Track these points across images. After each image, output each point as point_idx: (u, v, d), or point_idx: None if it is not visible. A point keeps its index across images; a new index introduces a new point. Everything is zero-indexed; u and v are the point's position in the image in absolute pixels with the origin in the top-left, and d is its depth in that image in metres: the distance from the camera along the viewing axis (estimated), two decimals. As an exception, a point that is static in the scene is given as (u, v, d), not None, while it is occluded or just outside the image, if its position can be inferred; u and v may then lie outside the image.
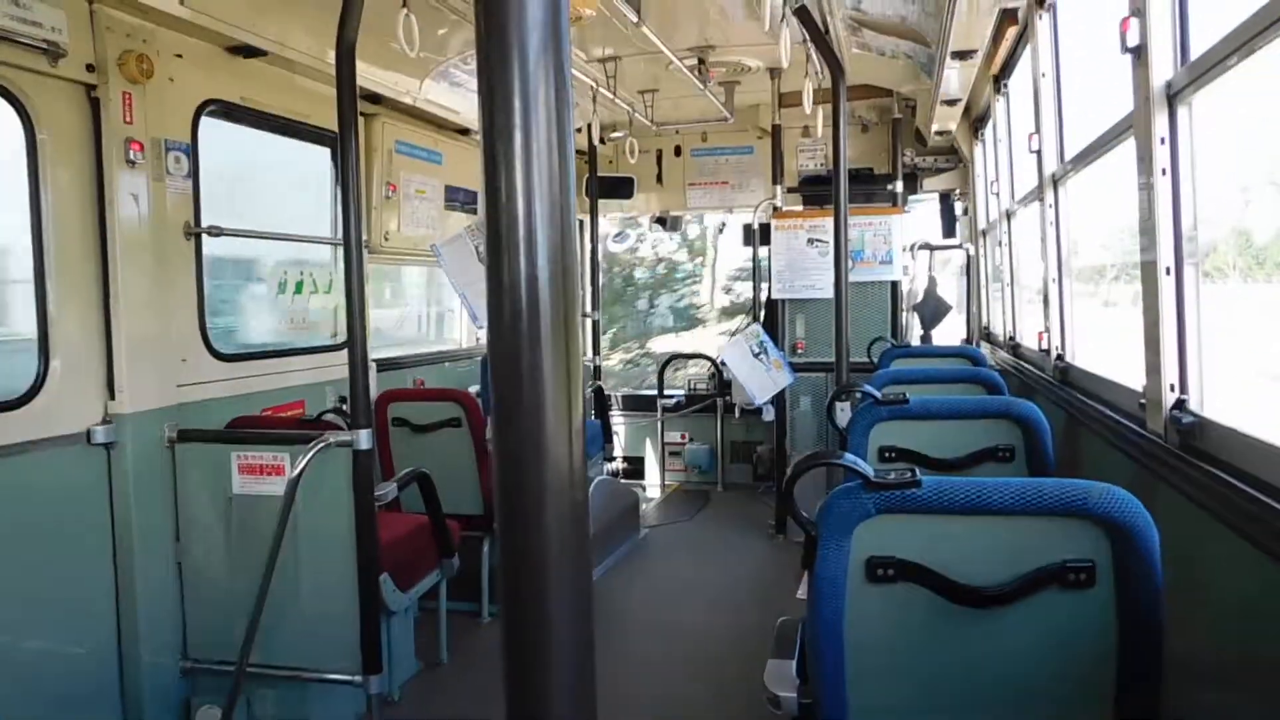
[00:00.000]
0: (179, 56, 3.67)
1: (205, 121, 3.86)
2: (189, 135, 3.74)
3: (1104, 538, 1.72)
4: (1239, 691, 1.81)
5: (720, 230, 9.72)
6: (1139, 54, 2.28)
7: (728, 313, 13.63)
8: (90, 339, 3.33)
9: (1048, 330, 4.26)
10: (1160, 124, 2.21)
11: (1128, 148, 2.53)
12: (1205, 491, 1.94)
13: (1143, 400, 2.49)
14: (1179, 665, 1.78)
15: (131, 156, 3.36)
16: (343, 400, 4.38)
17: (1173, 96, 2.18)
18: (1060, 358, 4.04)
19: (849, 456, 1.83)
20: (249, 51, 4.02)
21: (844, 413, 3.91)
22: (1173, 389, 2.29)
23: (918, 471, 1.76)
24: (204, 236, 3.79)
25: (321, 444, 3.23)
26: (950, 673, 1.82)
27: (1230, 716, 1.85)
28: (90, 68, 3.26)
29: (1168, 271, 2.25)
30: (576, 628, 0.86)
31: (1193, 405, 2.27)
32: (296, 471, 3.20)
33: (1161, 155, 2.21)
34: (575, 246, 0.84)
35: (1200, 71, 2.03)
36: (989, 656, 1.80)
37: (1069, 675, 1.77)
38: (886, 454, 2.98)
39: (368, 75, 4.72)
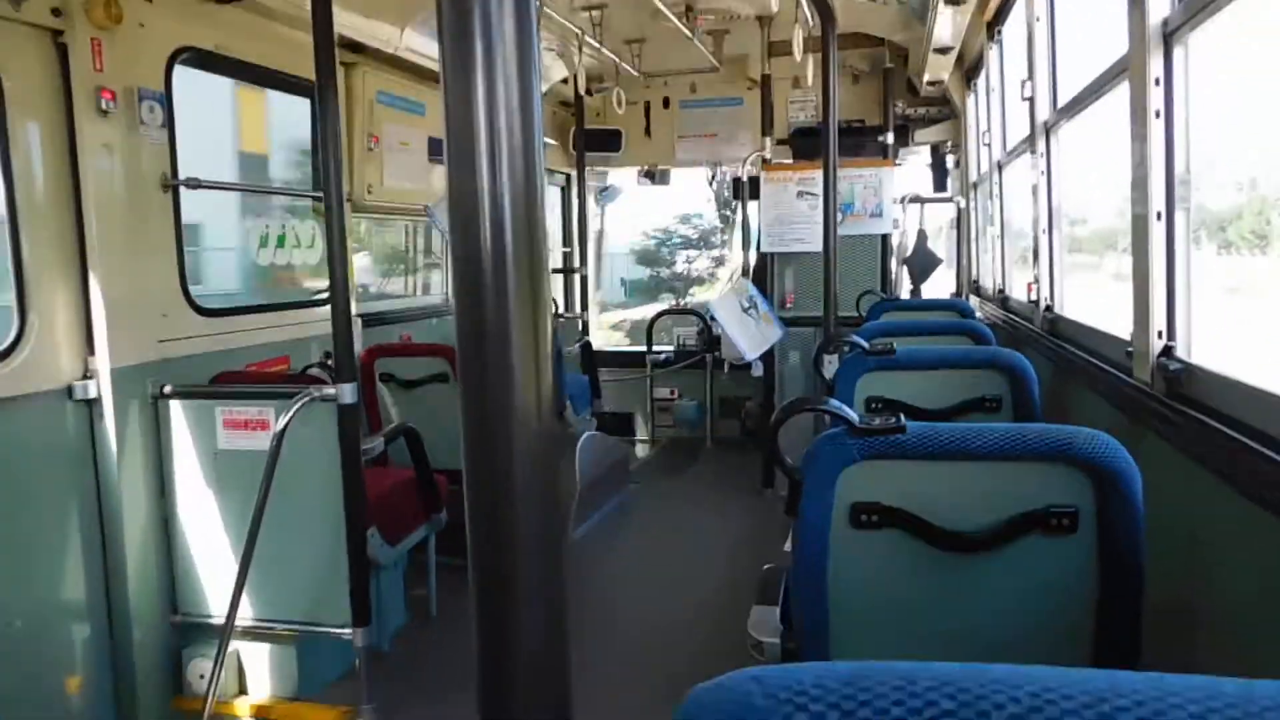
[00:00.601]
0: (149, 1, 3.57)
1: (179, 70, 3.77)
2: (163, 84, 3.64)
3: (1087, 483, 1.71)
4: (1217, 633, 1.82)
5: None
6: (1134, -8, 2.23)
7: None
8: (68, 293, 3.27)
9: (1037, 281, 4.24)
10: (1155, 64, 2.16)
11: (1121, 94, 2.49)
12: (1190, 437, 1.94)
13: (1130, 349, 2.48)
14: (1159, 609, 1.79)
15: (103, 105, 3.28)
16: (328, 355, 4.34)
17: (1169, 35, 2.13)
18: (1049, 309, 4.03)
19: (833, 402, 1.81)
20: None
21: (831, 365, 3.89)
22: (1160, 336, 2.27)
23: (903, 417, 1.75)
24: (182, 189, 3.72)
25: (306, 398, 3.20)
26: (933, 618, 1.83)
27: (1209, 658, 1.86)
28: (56, 12, 3.16)
29: (1159, 217, 2.22)
30: (547, 586, 0.84)
31: (1180, 352, 2.25)
32: (281, 426, 3.18)
33: (1156, 97, 2.17)
34: (540, 186, 0.80)
35: (1197, 9, 1.99)
36: (972, 602, 1.80)
37: (1051, 619, 1.78)
38: (873, 404, 2.97)
39: (347, 23, 4.61)
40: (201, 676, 3.47)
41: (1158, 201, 2.22)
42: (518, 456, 0.80)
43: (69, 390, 3.28)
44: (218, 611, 3.37)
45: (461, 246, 0.79)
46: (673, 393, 8.25)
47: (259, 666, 3.57)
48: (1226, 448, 1.75)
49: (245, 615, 3.34)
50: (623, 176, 9.03)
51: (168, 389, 3.53)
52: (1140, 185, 2.28)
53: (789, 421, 2.00)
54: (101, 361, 3.33)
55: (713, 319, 6.92)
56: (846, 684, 0.62)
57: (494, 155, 0.77)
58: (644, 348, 8.23)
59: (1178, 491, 2.00)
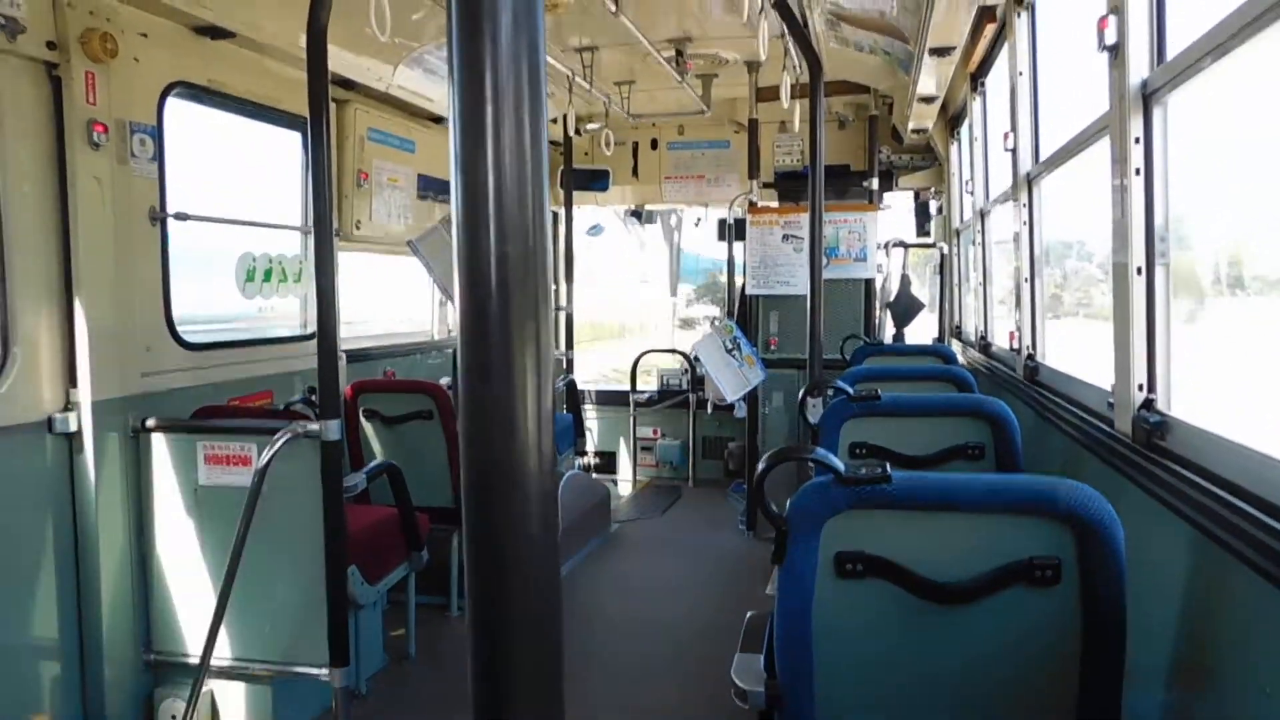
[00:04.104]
0: (144, 36, 3.60)
1: (171, 104, 3.78)
2: (154, 118, 3.66)
3: (1070, 535, 1.72)
4: (1198, 691, 1.82)
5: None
6: (1115, 52, 2.29)
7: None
8: (51, 325, 3.25)
9: (1019, 329, 4.29)
10: (1135, 124, 2.21)
11: (1102, 149, 2.54)
12: (1170, 490, 1.96)
13: (1111, 399, 2.51)
14: (1141, 663, 1.79)
15: (95, 138, 3.29)
16: (312, 391, 4.32)
17: (1148, 96, 2.18)
18: (1031, 357, 4.07)
19: (820, 451, 1.82)
20: (216, 33, 3.95)
21: (816, 409, 3.91)
22: (1141, 388, 2.30)
23: (888, 467, 1.76)
24: (169, 222, 3.72)
25: (289, 434, 3.18)
26: (917, 668, 1.82)
27: (1189, 715, 1.86)
28: (51, 45, 3.18)
29: (1139, 272, 2.26)
30: (544, 620, 0.84)
31: (1160, 405, 2.28)
32: (263, 462, 3.15)
33: (1136, 155, 2.22)
34: (547, 231, 0.82)
35: (1176, 71, 2.04)
36: (955, 653, 1.80)
37: (1034, 672, 1.78)
38: (857, 450, 2.99)
39: (340, 60, 4.65)
40: (174, 717, 3.40)
41: (1138, 256, 2.26)
42: (519, 500, 0.80)
43: (49, 422, 3.24)
44: (193, 650, 3.31)
45: (468, 285, 0.79)
46: (655, 432, 8.25)
47: (233, 706, 3.50)
48: (1205, 502, 1.77)
49: (221, 654, 3.28)
50: (607, 216, 9.10)
51: (149, 423, 3.50)
52: (1120, 240, 2.33)
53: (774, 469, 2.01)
54: (83, 394, 3.30)
55: (696, 360, 6.95)
56: None
57: (500, 195, 0.78)
58: (627, 387, 8.23)
59: (1159, 544, 2.01)
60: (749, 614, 2.38)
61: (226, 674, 3.45)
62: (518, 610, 0.82)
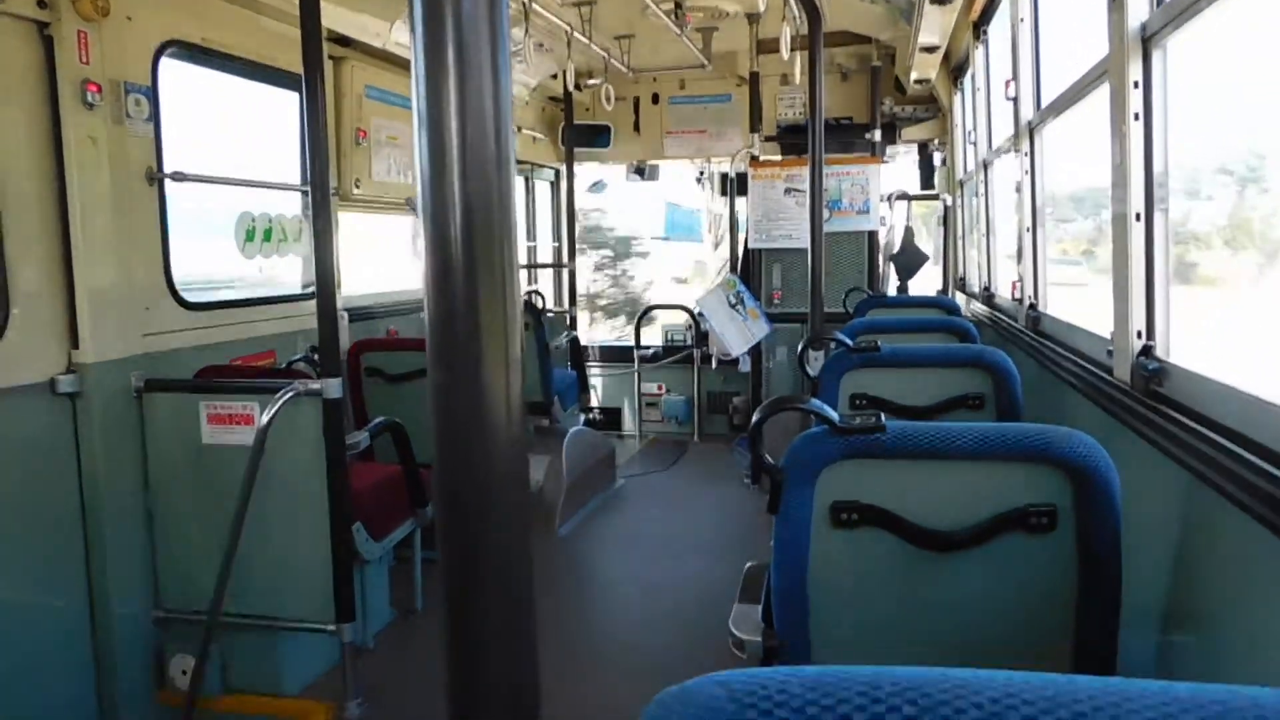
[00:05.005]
0: None
1: (167, 64, 3.75)
2: (149, 77, 3.63)
3: (1066, 482, 1.73)
4: (1193, 632, 1.84)
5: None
6: (1115, -5, 2.25)
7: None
8: (51, 286, 3.26)
9: (1021, 279, 4.27)
10: (1135, 67, 2.18)
11: (1103, 95, 2.51)
12: (1167, 436, 1.96)
13: (1110, 348, 2.50)
14: (1136, 608, 1.81)
15: (89, 98, 3.26)
16: (314, 350, 4.33)
17: (1147, 39, 2.15)
18: (1033, 307, 4.05)
19: (814, 401, 1.83)
20: None
21: (817, 362, 3.91)
22: (1139, 335, 2.30)
23: (882, 416, 1.77)
24: (168, 183, 3.71)
25: (291, 392, 3.20)
26: (913, 616, 1.84)
27: (1184, 657, 1.88)
28: (42, 4, 3.14)
29: (1138, 217, 2.24)
30: (514, 583, 0.85)
31: (1159, 352, 2.28)
32: (266, 420, 3.17)
33: (1135, 99, 2.19)
34: (512, 174, 0.81)
35: (1175, 13, 2.00)
36: (951, 600, 1.82)
37: (1030, 618, 1.80)
38: (858, 401, 2.99)
39: (335, 17, 4.59)
40: (184, 672, 3.46)
41: (1137, 202, 2.24)
42: (488, 447, 0.81)
43: (51, 384, 3.26)
44: (201, 606, 3.37)
45: (433, 234, 0.79)
46: (660, 388, 8.27)
47: (243, 661, 3.56)
48: (1201, 447, 1.78)
49: (229, 610, 3.33)
50: (610, 172, 9.05)
51: (152, 383, 3.51)
52: (1120, 186, 2.31)
53: (775, 419, 2.01)
54: (85, 355, 3.31)
55: (700, 315, 6.94)
56: (811, 689, 0.63)
57: (464, 145, 0.77)
58: (632, 343, 8.24)
59: (1156, 491, 2.02)
60: (748, 564, 2.41)
61: (235, 630, 3.50)
62: (489, 559, 0.83)
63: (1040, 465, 1.74)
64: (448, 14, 0.76)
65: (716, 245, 9.34)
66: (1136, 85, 2.18)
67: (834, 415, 1.78)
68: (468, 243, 0.79)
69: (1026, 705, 0.60)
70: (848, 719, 0.61)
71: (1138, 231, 2.25)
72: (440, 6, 0.76)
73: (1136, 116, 2.19)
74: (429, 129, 0.78)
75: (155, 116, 3.64)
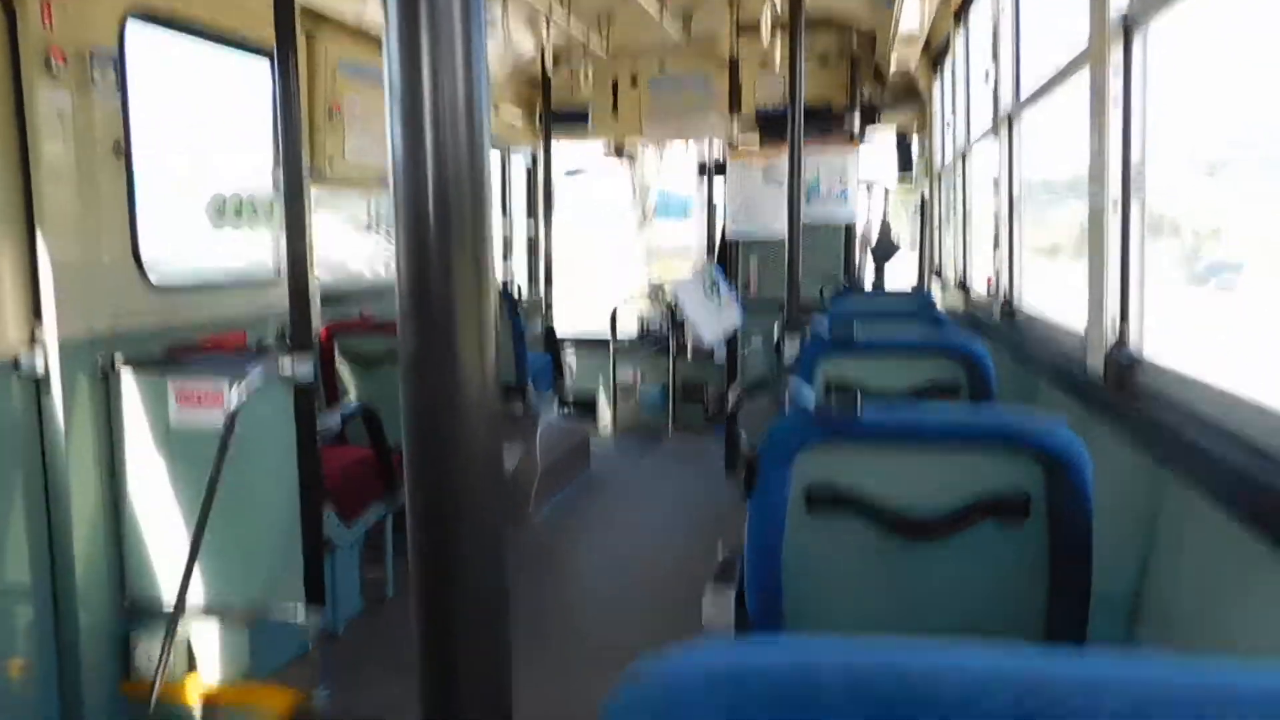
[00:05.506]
0: None
1: (136, 34, 3.65)
2: (115, 46, 3.54)
3: (1039, 470, 1.73)
4: (1160, 620, 1.85)
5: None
6: (1097, -18, 2.24)
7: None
8: (14, 261, 3.18)
9: (996, 271, 4.28)
10: (1115, 54, 2.18)
11: (1082, 82, 2.50)
12: (1138, 428, 1.97)
13: (1084, 340, 2.51)
14: (1107, 597, 1.82)
15: (53, 67, 3.18)
16: (286, 331, 4.27)
17: (1129, 25, 2.14)
18: (1008, 299, 4.07)
19: (793, 381, 1.81)
20: None
21: (792, 349, 3.90)
22: (1113, 328, 2.30)
23: (859, 399, 1.75)
24: (136, 158, 3.62)
25: (260, 367, 3.14)
26: (886, 602, 1.84)
27: (1152, 647, 1.90)
28: None
29: (1114, 206, 2.24)
30: (488, 565, 0.83)
31: (1132, 343, 2.28)
32: (236, 402, 3.11)
33: (1115, 86, 2.19)
34: (486, 154, 0.79)
35: None
36: (924, 587, 1.82)
37: (1002, 605, 1.80)
38: (833, 389, 2.98)
39: None
40: (150, 659, 3.41)
41: (1114, 191, 2.24)
42: (459, 429, 0.78)
43: (15, 363, 3.19)
44: (168, 593, 3.31)
45: (406, 210, 0.77)
46: (636, 377, 8.25)
47: (210, 648, 3.51)
48: (1171, 439, 1.78)
49: (196, 596, 3.28)
50: (589, 153, 9.00)
51: (118, 362, 3.44)
52: (1097, 176, 2.30)
53: (752, 407, 2.00)
54: (49, 331, 3.24)
55: (676, 302, 6.92)
56: (790, 663, 0.61)
57: (438, 119, 0.75)
58: (606, 332, 8.21)
59: (1127, 481, 2.03)
60: (721, 549, 2.40)
61: (203, 617, 3.45)
62: (461, 541, 0.81)
63: (1015, 453, 1.74)
64: None
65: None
66: (1117, 72, 2.18)
67: (810, 398, 1.77)
68: (442, 219, 0.76)
69: (1011, 685, 0.59)
70: (825, 688, 0.59)
71: (1114, 220, 2.25)
72: None
73: (1116, 102, 2.18)
74: (402, 102, 0.76)
75: (123, 87, 3.55)
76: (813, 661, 0.61)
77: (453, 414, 0.79)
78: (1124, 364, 2.22)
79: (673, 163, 8.79)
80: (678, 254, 10.31)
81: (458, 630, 0.82)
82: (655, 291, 8.38)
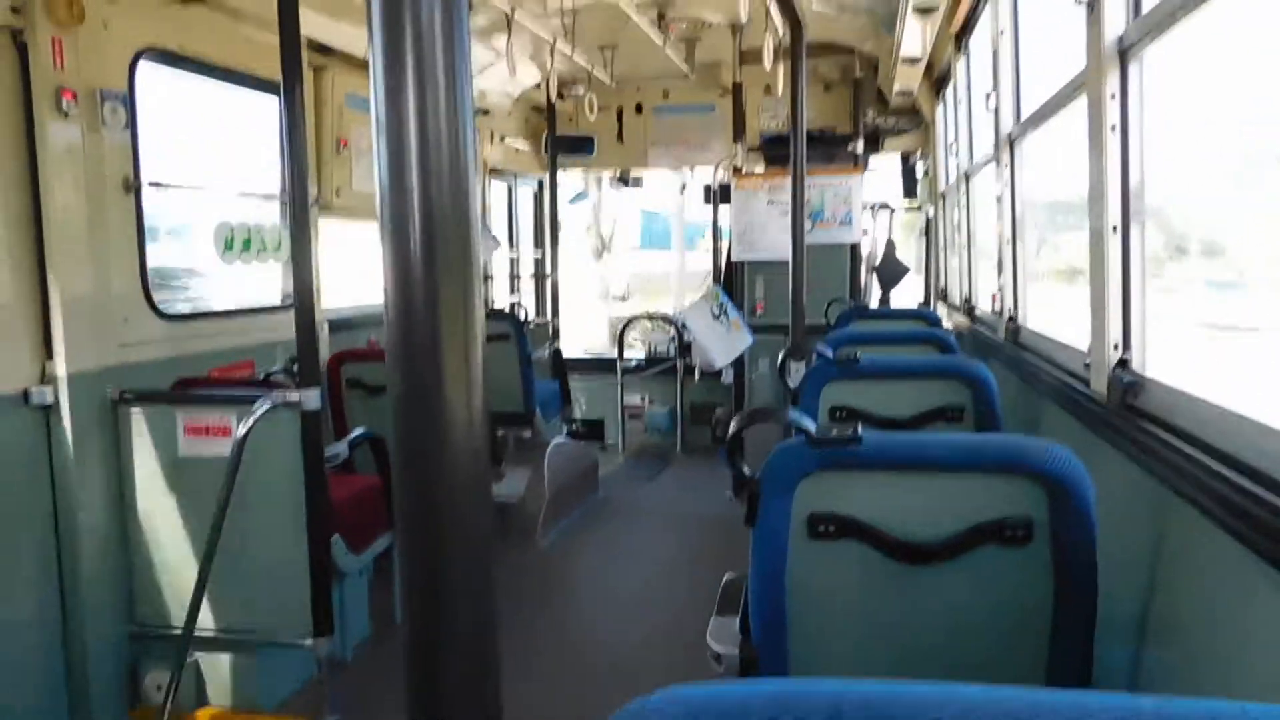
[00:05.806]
0: (112, 1, 3.52)
1: (146, 72, 3.72)
2: (125, 85, 3.60)
3: (1042, 495, 1.73)
4: (1167, 646, 1.84)
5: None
6: (1092, 8, 2.26)
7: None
8: (24, 296, 3.22)
9: (1001, 292, 4.28)
10: (1112, 80, 2.19)
11: (1081, 108, 2.52)
12: (1143, 449, 1.96)
13: (1088, 361, 2.51)
14: (1112, 620, 1.81)
15: (64, 106, 3.23)
16: (293, 361, 4.30)
17: (1124, 51, 2.16)
18: (1012, 319, 4.07)
19: (793, 412, 1.82)
20: None
21: (797, 373, 3.91)
22: (1116, 348, 2.30)
23: (859, 427, 1.76)
24: (145, 192, 3.67)
25: (268, 403, 3.16)
26: (890, 628, 1.84)
27: (1158, 670, 1.88)
28: (16, 10, 3.11)
29: (1114, 230, 2.25)
30: (477, 598, 0.83)
31: (1135, 365, 2.28)
32: (243, 432, 3.13)
33: (1112, 111, 2.20)
34: (472, 179, 0.80)
35: (1151, 25, 2.02)
36: (928, 612, 1.81)
37: (1006, 630, 1.79)
38: (837, 413, 2.99)
39: (315, 25, 4.57)
40: (158, 688, 3.41)
41: (1114, 215, 2.24)
42: (448, 460, 0.79)
43: (25, 395, 3.22)
44: (176, 622, 3.32)
45: (392, 244, 0.78)
46: (644, 400, 8.25)
47: (218, 677, 3.51)
48: (1176, 460, 1.78)
49: (204, 625, 3.29)
50: (594, 181, 9.06)
51: (128, 394, 3.47)
52: (1097, 199, 2.31)
53: (757, 431, 2.01)
54: (59, 366, 3.27)
55: (684, 326, 6.94)
56: (773, 703, 0.62)
57: (424, 152, 0.76)
58: (615, 354, 8.23)
59: (1131, 504, 2.02)
60: (726, 576, 2.39)
61: (211, 645, 3.45)
62: (450, 574, 0.82)
63: (1016, 477, 1.74)
64: (406, 21, 0.75)
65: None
66: (1114, 97, 2.19)
67: (811, 425, 1.77)
68: (428, 253, 0.78)
69: None
70: None
71: (1114, 243, 2.26)
72: (399, 14, 0.75)
73: (1114, 129, 2.20)
74: (388, 136, 0.77)
75: (132, 124, 3.61)
76: (798, 707, 0.61)
77: (439, 445, 0.80)
78: (1126, 385, 2.22)
79: (657, 186, 8.86)
80: (656, 286, 10.22)
81: (447, 658, 0.82)
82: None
